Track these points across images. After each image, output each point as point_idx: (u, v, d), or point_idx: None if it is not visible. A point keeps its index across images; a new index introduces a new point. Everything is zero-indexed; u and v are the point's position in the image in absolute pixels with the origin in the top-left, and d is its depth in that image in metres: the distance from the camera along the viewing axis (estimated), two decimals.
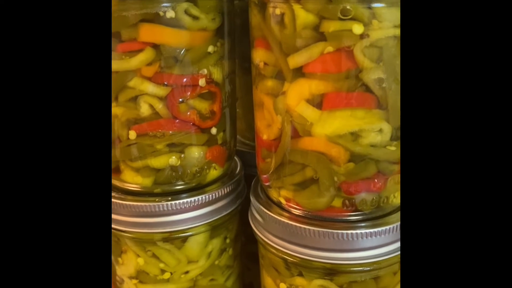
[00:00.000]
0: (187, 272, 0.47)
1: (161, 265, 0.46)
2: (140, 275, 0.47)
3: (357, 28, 0.32)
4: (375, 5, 0.32)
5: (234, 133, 0.49)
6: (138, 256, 0.46)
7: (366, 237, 0.37)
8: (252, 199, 0.44)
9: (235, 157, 0.52)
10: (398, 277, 0.40)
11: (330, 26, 0.33)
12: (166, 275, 0.46)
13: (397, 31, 0.33)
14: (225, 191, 0.46)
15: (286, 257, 0.40)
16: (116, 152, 0.43)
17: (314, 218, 0.39)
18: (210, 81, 0.42)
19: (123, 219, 0.44)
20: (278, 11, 0.35)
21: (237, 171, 0.50)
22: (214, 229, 0.47)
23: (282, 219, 0.39)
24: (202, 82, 0.42)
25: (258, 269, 0.47)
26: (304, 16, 0.33)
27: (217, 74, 0.43)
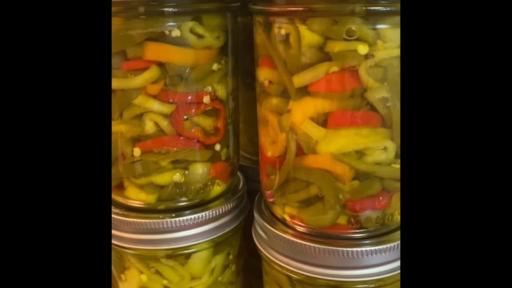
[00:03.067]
0: None
1: (165, 282, 0.46)
2: None
3: (362, 49, 0.33)
4: (379, 26, 0.33)
5: (237, 149, 0.49)
6: (142, 272, 0.46)
7: (371, 255, 0.37)
8: (256, 215, 0.44)
9: (238, 172, 0.52)
10: None
11: (336, 47, 0.33)
12: None
13: None
14: (229, 207, 0.46)
15: (290, 274, 0.40)
16: (120, 169, 0.44)
17: (318, 235, 0.39)
18: (214, 98, 0.43)
19: (127, 235, 0.44)
20: (283, 31, 0.35)
21: (240, 187, 0.50)
22: (217, 245, 0.46)
23: (287, 236, 0.39)
24: (206, 99, 0.42)
25: (260, 284, 0.47)
26: (309, 37, 0.34)
27: (221, 91, 0.43)
